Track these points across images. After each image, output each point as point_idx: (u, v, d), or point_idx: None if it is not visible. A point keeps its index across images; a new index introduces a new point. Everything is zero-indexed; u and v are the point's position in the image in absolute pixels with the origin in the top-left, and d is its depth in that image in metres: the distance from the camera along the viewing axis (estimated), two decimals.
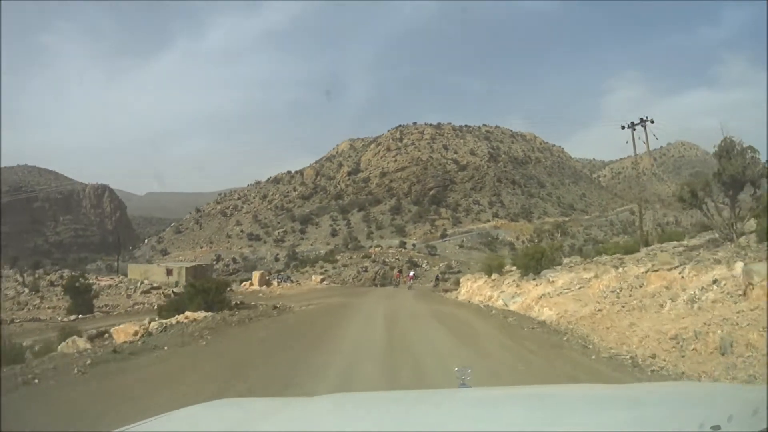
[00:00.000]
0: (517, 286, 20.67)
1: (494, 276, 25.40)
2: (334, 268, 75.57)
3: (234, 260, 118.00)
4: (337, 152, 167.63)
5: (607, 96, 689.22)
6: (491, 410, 2.25)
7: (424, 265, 78.54)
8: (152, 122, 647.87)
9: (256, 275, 41.45)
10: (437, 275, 58.10)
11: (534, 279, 20.18)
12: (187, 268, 47.05)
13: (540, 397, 2.66)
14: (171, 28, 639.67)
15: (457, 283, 43.82)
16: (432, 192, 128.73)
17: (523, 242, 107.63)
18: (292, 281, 46.49)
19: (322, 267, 75.86)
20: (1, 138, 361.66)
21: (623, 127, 32.41)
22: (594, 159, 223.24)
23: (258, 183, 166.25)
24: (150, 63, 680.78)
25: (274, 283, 41.69)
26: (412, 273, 49.99)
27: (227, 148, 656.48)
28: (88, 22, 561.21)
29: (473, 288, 26.85)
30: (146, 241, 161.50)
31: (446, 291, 37.85)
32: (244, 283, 42.38)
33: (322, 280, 49.46)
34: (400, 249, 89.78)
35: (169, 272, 45.58)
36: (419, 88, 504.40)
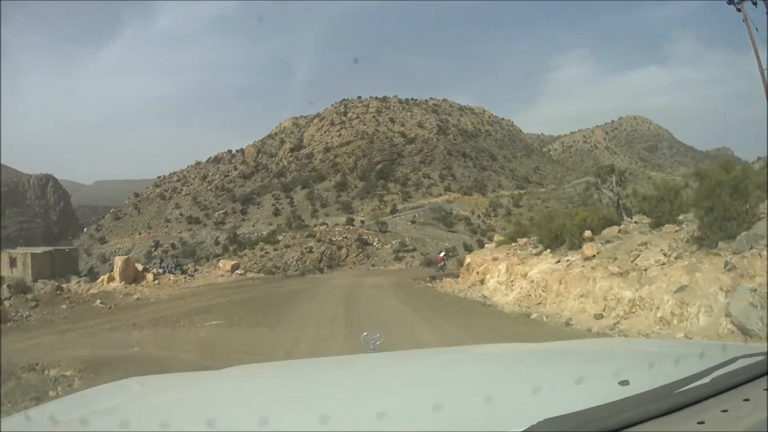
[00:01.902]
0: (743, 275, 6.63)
1: (591, 248, 10.98)
2: (275, 249, 62.70)
3: (173, 246, 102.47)
4: (279, 130, 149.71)
5: (554, 73, 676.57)
6: (397, 371, 2.14)
7: (375, 243, 66.75)
8: (101, 110, 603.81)
9: (118, 263, 23.33)
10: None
11: (752, 248, 6.34)
12: (34, 255, 29.93)
13: (448, 354, 2.64)
14: (120, 15, 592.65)
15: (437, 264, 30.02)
16: (379, 166, 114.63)
17: (479, 216, 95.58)
18: (182, 271, 28.61)
19: (262, 249, 62.88)
20: None
21: (729, 2, 18.80)
22: (543, 134, 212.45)
23: (198, 164, 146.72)
24: (99, 51, 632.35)
25: (149, 275, 24.71)
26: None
27: (176, 133, 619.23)
28: (37, 11, 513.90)
29: (533, 278, 11.75)
30: (85, 230, 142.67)
31: (433, 278, 23.78)
32: (102, 278, 24.33)
33: (235, 268, 31.03)
34: (347, 227, 76.72)
35: (12, 263, 28.87)
36: (365, 67, 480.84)
